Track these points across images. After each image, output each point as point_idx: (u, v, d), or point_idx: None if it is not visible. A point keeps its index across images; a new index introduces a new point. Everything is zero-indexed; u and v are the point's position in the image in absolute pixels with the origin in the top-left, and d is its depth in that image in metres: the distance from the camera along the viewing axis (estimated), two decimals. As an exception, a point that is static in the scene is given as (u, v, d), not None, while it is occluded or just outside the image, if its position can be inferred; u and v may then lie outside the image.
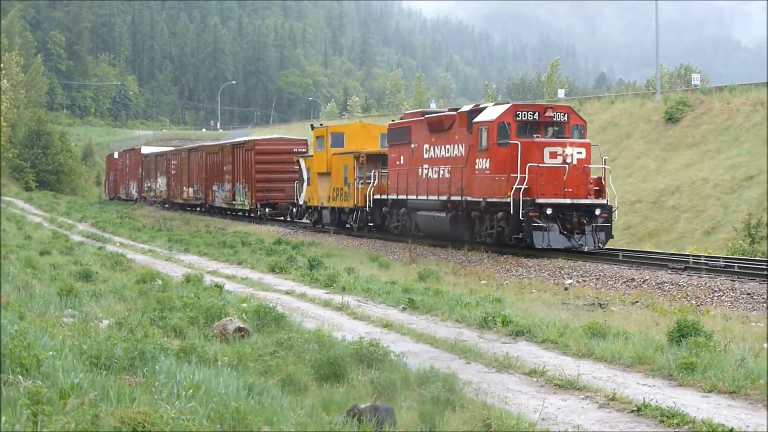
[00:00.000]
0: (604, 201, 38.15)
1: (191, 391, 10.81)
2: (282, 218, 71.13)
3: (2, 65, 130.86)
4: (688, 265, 33.04)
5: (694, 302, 27.33)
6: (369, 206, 51.33)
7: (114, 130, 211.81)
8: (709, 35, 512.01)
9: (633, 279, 31.83)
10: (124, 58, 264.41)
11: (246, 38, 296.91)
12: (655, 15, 79.88)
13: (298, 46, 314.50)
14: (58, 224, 62.03)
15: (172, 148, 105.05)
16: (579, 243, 37.08)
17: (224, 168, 78.52)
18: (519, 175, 36.53)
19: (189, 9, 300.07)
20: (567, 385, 14.92)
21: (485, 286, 31.57)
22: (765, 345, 19.27)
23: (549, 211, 36.54)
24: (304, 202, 61.43)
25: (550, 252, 37.22)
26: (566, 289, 31.28)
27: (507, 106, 39.94)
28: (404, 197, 47.33)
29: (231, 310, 19.56)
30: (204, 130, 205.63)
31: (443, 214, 43.43)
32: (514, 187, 36.37)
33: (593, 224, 37.25)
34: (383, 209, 50.79)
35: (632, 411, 13.40)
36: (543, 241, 36.51)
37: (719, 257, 35.92)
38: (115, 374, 11.66)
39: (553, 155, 37.12)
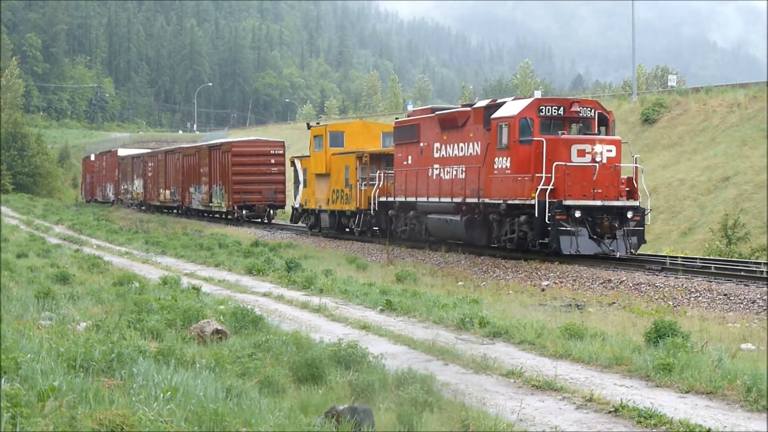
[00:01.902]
0: (637, 203, 35.88)
1: (169, 393, 10.81)
2: (259, 220, 71.15)
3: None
4: (665, 266, 33.13)
5: (671, 303, 27.40)
6: (374, 209, 49.10)
7: (90, 132, 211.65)
8: (686, 37, 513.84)
9: (610, 280, 31.89)
10: (100, 60, 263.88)
11: (222, 40, 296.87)
12: (631, 17, 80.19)
13: (274, 48, 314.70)
14: (34, 227, 61.87)
15: (149, 150, 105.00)
16: (610, 248, 34.85)
17: (201, 170, 78.50)
18: (544, 174, 34.46)
19: (165, 11, 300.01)
20: (545, 386, 14.96)
21: (462, 288, 31.59)
22: (765, 348, 19.35)
23: (578, 214, 34.34)
24: (300, 205, 59.69)
25: (577, 258, 34.94)
26: (543, 290, 31.27)
27: (529, 100, 37.92)
28: (413, 200, 44.96)
29: (208, 313, 19.55)
30: (180, 132, 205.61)
31: (458, 218, 40.99)
32: (539, 187, 34.33)
33: (624, 228, 34.99)
34: (389, 212, 48.18)
35: (610, 412, 13.43)
36: (571, 246, 34.32)
37: (696, 258, 35.75)
38: (92, 376, 11.65)
39: (582, 153, 34.88)
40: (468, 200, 39.69)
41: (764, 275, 31.58)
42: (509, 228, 37.51)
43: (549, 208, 34.00)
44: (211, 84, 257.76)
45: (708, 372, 15.34)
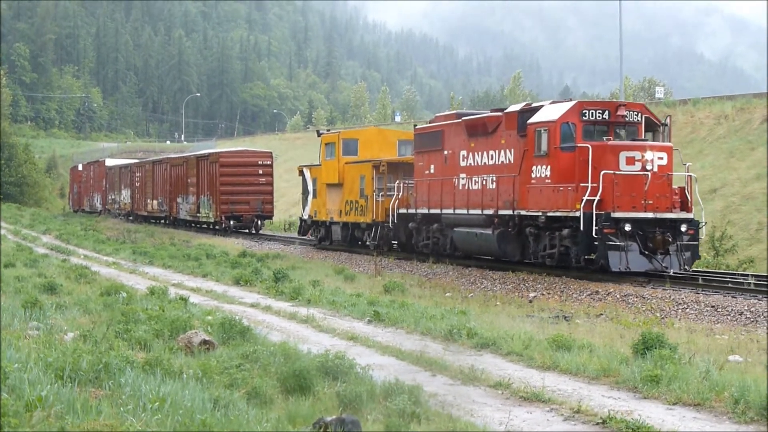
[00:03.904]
0: (691, 215, 33.79)
1: (157, 403, 10.81)
2: (247, 231, 71.11)
3: None
4: (652, 278, 32.97)
5: (658, 315, 27.42)
6: (392, 222, 46.76)
7: (78, 142, 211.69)
8: (673, 48, 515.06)
9: (597, 291, 31.87)
10: (88, 70, 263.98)
11: (210, 50, 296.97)
12: (619, 28, 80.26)
13: (262, 58, 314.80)
14: (21, 236, 61.85)
15: (137, 161, 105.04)
16: (663, 265, 32.65)
17: (189, 180, 78.53)
18: (590, 184, 32.33)
19: (154, 21, 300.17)
20: (532, 398, 14.97)
21: (450, 299, 31.58)
22: (753, 360, 19.38)
23: (627, 227, 32.06)
24: (309, 217, 57.54)
25: (628, 276, 32.97)
26: (531, 301, 31.19)
27: (572, 103, 35.60)
28: (437, 211, 42.86)
29: (196, 323, 19.55)
30: (168, 142, 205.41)
31: (489, 231, 38.68)
32: (585, 198, 32.24)
33: (678, 242, 32.90)
34: (410, 225, 46.07)
35: (597, 423, 13.45)
36: (621, 263, 32.02)
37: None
38: (80, 387, 11.64)
39: (631, 161, 32.66)
40: (501, 212, 37.94)
41: (751, 287, 31.71)
42: (549, 242, 35.58)
43: (596, 220, 31.96)
44: (199, 94, 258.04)
45: (695, 384, 15.37)
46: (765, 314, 26.49)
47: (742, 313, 26.96)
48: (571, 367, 17.25)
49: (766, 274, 35.81)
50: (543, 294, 32.63)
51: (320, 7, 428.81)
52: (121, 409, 10.61)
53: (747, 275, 34.94)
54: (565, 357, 17.93)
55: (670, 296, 29.95)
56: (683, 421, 13.63)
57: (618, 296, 30.77)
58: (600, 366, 17.05)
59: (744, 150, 56.75)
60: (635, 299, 30.00)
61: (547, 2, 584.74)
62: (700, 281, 32.47)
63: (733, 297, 29.58)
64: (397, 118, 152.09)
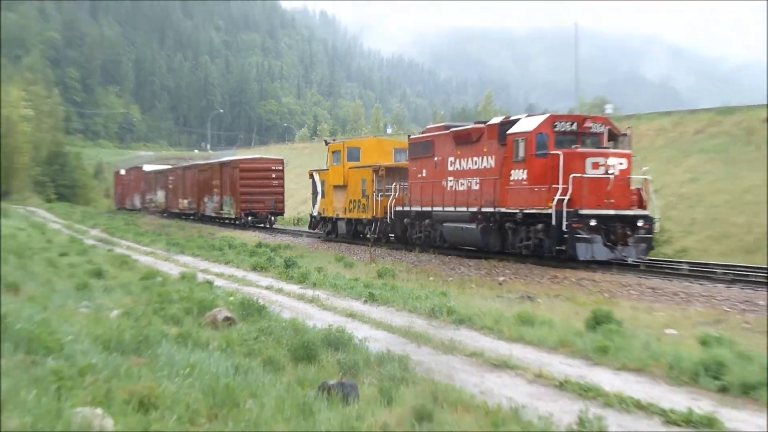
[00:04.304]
0: (647, 212, 33.69)
1: (188, 369, 10.85)
2: (262, 225, 70.96)
3: (26, 95, 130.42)
4: (602, 265, 33.03)
5: (607, 295, 27.40)
6: (390, 218, 46.81)
7: (121, 151, 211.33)
8: (621, 72, 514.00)
9: (556, 276, 31.86)
10: (129, 90, 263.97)
11: (231, 74, 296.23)
12: (575, 55, 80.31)
13: (275, 80, 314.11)
14: (74, 230, 61.68)
15: (170, 166, 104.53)
16: (622, 254, 32.86)
17: (213, 183, 78.42)
18: (561, 185, 32.44)
19: (183, 49, 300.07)
20: (501, 365, 14.99)
21: (433, 282, 31.48)
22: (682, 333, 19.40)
23: (593, 223, 32.27)
24: (318, 214, 57.46)
25: (591, 264, 32.93)
26: (500, 284, 31.11)
27: (545, 117, 35.58)
28: (429, 209, 42.83)
29: (220, 303, 19.55)
30: (196, 151, 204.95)
31: (473, 226, 38.71)
32: (557, 198, 32.34)
33: (635, 235, 32.86)
34: (405, 221, 45.88)
35: (556, 386, 13.48)
36: (587, 252, 32.27)
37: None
38: (124, 356, 11.67)
39: (596, 166, 32.78)
40: (484, 209, 37.87)
41: (684, 272, 31.86)
42: (525, 235, 35.62)
43: (566, 217, 32.12)
44: (222, 111, 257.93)
45: (638, 353, 15.40)
46: (696, 294, 26.56)
47: (677, 293, 26.98)
48: (533, 339, 17.27)
49: (715, 262, 35.89)
50: (511, 278, 32.58)
51: (323, 37, 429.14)
52: (158, 374, 10.64)
53: (681, 262, 35.06)
54: (529, 331, 17.94)
55: (617, 280, 29.97)
56: (627, 384, 13.67)
57: (573, 280, 30.76)
58: (558, 338, 17.06)
59: (679, 157, 56.76)
60: (588, 282, 30.00)
61: (515, 32, 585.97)
62: (642, 267, 32.53)
63: (669, 280, 29.66)
64: (389, 131, 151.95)
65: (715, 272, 31.50)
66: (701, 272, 31.79)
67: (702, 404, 12.40)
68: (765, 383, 13.21)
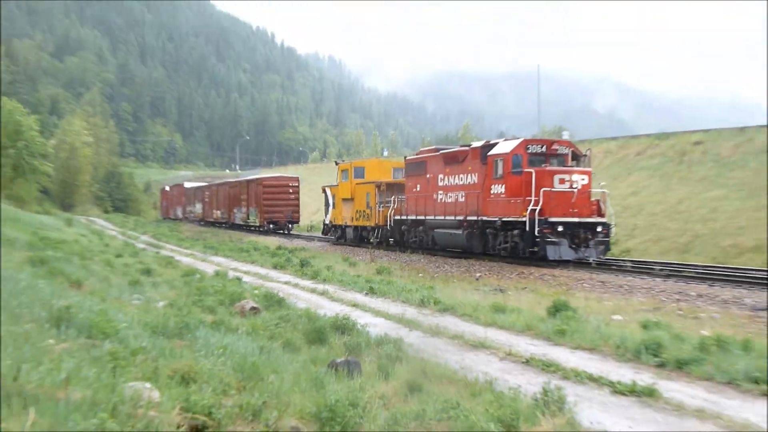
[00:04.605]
0: (604, 220, 33.76)
1: (221, 350, 10.82)
2: (281, 231, 71.03)
3: (87, 125, 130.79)
4: (560, 263, 33.06)
5: (564, 288, 27.42)
6: (390, 225, 47.19)
7: (165, 171, 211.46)
8: (576, 105, 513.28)
9: (523, 272, 31.85)
10: (172, 121, 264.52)
11: (256, 108, 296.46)
12: (537, 91, 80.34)
13: (292, 113, 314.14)
14: (127, 236, 61.66)
15: (206, 183, 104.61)
16: (585, 255, 33.07)
17: (242, 197, 78.54)
18: (533, 198, 32.75)
19: (217, 87, 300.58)
20: (478, 345, 14.97)
21: (422, 278, 31.47)
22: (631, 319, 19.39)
23: (560, 228, 32.61)
24: (330, 222, 57.60)
25: (566, 264, 32.93)
26: (477, 279, 31.13)
27: (519, 140, 35.85)
28: (422, 218, 43.04)
29: (247, 295, 19.53)
30: (227, 170, 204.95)
31: (459, 231, 38.98)
32: (530, 208, 32.70)
33: (594, 239, 33.09)
34: (402, 227, 46.13)
35: (523, 362, 13.46)
36: (555, 253, 32.57)
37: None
38: (168, 339, 11.66)
39: (562, 181, 33.05)
40: (468, 218, 38.09)
41: (628, 268, 31.88)
42: (503, 239, 35.83)
43: (538, 224, 32.49)
44: (248, 137, 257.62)
45: (590, 335, 15.39)
46: (638, 287, 26.57)
47: (622, 286, 26.98)
48: (504, 324, 17.25)
49: (695, 263, 35.88)
50: (486, 274, 32.57)
51: (331, 77, 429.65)
52: (196, 354, 10.62)
53: (625, 260, 35.09)
54: (500, 317, 17.92)
55: (572, 275, 29.99)
56: (581, 360, 13.66)
57: (537, 275, 30.75)
58: (524, 323, 17.04)
59: (623, 175, 56.73)
60: (549, 277, 30.00)
61: (488, 73, 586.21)
62: (593, 265, 32.57)
63: (615, 275, 29.72)
64: (385, 153, 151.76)
65: (653, 269, 31.56)
66: (642, 269, 31.82)
67: (643, 377, 12.39)
68: (696, 359, 13.22)
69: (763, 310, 21.58)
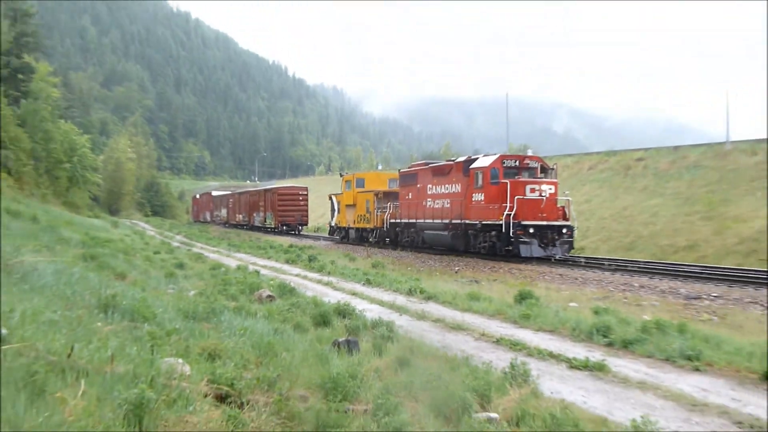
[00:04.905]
0: (568, 223, 33.80)
1: (242, 331, 10.80)
2: (293, 232, 71.00)
3: (131, 143, 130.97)
4: (525, 259, 33.04)
5: (529, 279, 27.42)
6: (386, 227, 47.07)
7: (196, 181, 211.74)
8: (538, 127, 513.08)
9: (494, 266, 31.84)
10: (202, 140, 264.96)
11: (272, 129, 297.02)
12: (506, 114, 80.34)
13: (302, 133, 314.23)
14: (164, 236, 61.54)
15: (230, 192, 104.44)
16: (552, 252, 32.86)
17: (260, 203, 78.47)
18: (509, 204, 32.66)
19: (239, 112, 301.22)
20: (457, 328, 14.95)
21: (410, 271, 31.47)
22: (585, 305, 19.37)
23: (531, 230, 32.55)
24: (335, 224, 57.23)
25: (531, 259, 32.87)
26: (456, 272, 31.14)
27: (496, 156, 35.57)
28: (414, 221, 42.63)
29: (264, 285, 19.49)
30: (248, 181, 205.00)
31: (445, 233, 38.83)
32: (506, 213, 32.68)
33: (560, 239, 33.05)
34: (397, 229, 45.89)
35: (494, 342, 13.45)
36: (527, 251, 32.45)
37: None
38: (197, 322, 11.63)
39: (533, 191, 32.97)
40: (453, 221, 37.98)
41: (582, 263, 31.88)
42: (482, 239, 35.70)
43: (512, 226, 32.50)
44: (265, 154, 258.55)
45: (550, 319, 15.38)
46: (590, 279, 26.57)
47: (577, 278, 26.97)
48: (479, 310, 17.23)
49: (608, 257, 35.89)
50: (463, 268, 32.54)
51: (335, 103, 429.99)
52: (221, 334, 10.60)
53: (580, 257, 35.03)
54: (475, 304, 17.91)
55: (535, 269, 29.96)
56: (543, 341, 13.65)
57: (506, 269, 30.72)
58: (495, 309, 17.03)
59: (578, 186, 56.75)
60: (516, 270, 29.98)
61: (465, 99, 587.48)
62: (553, 261, 32.56)
63: (571, 269, 29.67)
64: (379, 167, 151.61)
65: (603, 264, 31.59)
66: (593, 264, 31.83)
67: (595, 354, 12.39)
68: (639, 340, 13.22)
69: (695, 298, 21.61)
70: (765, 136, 50.93)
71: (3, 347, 6.14)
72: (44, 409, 5.21)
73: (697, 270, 29.09)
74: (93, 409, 5.42)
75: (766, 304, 20.12)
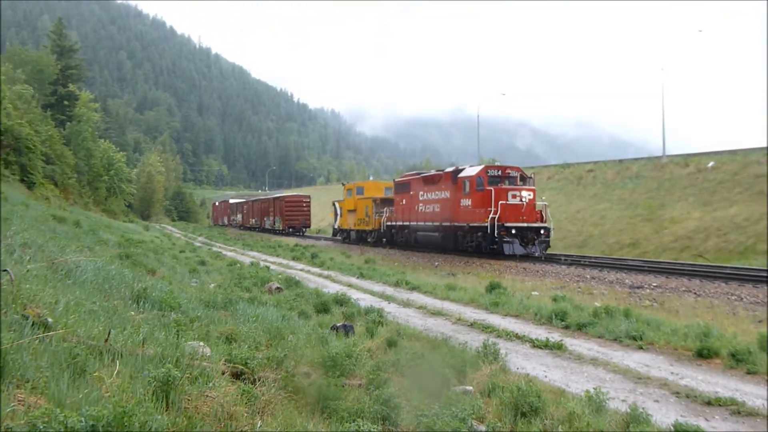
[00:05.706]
0: (546, 224, 33.29)
1: (255, 318, 10.74)
2: (298, 234, 70.84)
3: (160, 159, 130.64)
4: (496, 255, 33.01)
5: (498, 272, 27.42)
6: (383, 229, 46.46)
7: (215, 191, 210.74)
8: (504, 144, 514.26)
9: (468, 261, 31.88)
10: (220, 156, 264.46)
11: (280, 147, 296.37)
12: (477, 133, 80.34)
13: (305, 150, 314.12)
14: (188, 237, 61.35)
15: (244, 200, 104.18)
16: (531, 251, 32.49)
17: (270, 209, 78.24)
18: (493, 208, 32.15)
19: (253, 132, 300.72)
20: (437, 314, 14.94)
21: (397, 266, 31.45)
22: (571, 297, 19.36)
23: (513, 231, 31.92)
24: (338, 227, 56.48)
25: (513, 257, 32.25)
26: (436, 266, 31.13)
27: (481, 167, 35.03)
28: (407, 223, 42.25)
29: (273, 279, 19.44)
30: (260, 191, 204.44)
31: (436, 234, 38.22)
32: (491, 216, 32.11)
33: (538, 239, 32.65)
34: (392, 231, 45.14)
35: (469, 325, 13.44)
36: (510, 250, 31.82)
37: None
38: (217, 310, 11.56)
39: (514, 197, 32.47)
40: (443, 224, 37.43)
41: (543, 259, 31.86)
42: (470, 239, 35.08)
43: (496, 228, 32.06)
44: (274, 167, 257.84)
45: (516, 306, 15.38)
46: (549, 272, 26.57)
47: (538, 271, 27.01)
48: (456, 298, 17.23)
49: (592, 255, 35.95)
50: (442, 263, 32.57)
51: (333, 124, 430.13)
52: (237, 321, 10.54)
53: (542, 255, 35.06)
54: (452, 293, 17.91)
55: (503, 263, 29.98)
56: (510, 324, 13.63)
57: (479, 263, 30.75)
58: (469, 298, 17.02)
59: (539, 193, 56.69)
60: (487, 265, 29.98)
61: (442, 119, 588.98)
62: (518, 257, 32.55)
63: (533, 264, 29.66)
64: (371, 179, 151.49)
65: (560, 259, 31.56)
66: (552, 259, 31.82)
67: (554, 335, 12.38)
68: (591, 323, 13.20)
69: (638, 288, 21.62)
70: (695, 151, 51.17)
71: (49, 333, 6.09)
72: (84, 387, 5.21)
73: (639, 264, 29.14)
74: (126, 386, 5.40)
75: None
